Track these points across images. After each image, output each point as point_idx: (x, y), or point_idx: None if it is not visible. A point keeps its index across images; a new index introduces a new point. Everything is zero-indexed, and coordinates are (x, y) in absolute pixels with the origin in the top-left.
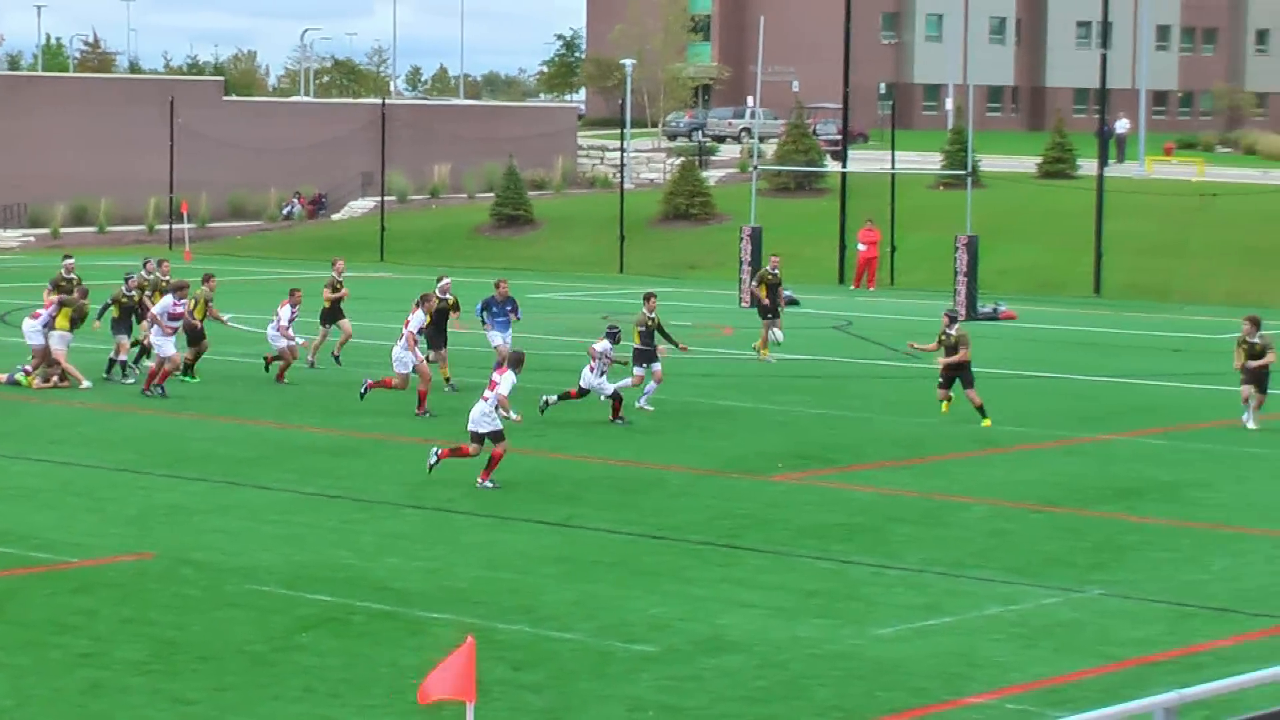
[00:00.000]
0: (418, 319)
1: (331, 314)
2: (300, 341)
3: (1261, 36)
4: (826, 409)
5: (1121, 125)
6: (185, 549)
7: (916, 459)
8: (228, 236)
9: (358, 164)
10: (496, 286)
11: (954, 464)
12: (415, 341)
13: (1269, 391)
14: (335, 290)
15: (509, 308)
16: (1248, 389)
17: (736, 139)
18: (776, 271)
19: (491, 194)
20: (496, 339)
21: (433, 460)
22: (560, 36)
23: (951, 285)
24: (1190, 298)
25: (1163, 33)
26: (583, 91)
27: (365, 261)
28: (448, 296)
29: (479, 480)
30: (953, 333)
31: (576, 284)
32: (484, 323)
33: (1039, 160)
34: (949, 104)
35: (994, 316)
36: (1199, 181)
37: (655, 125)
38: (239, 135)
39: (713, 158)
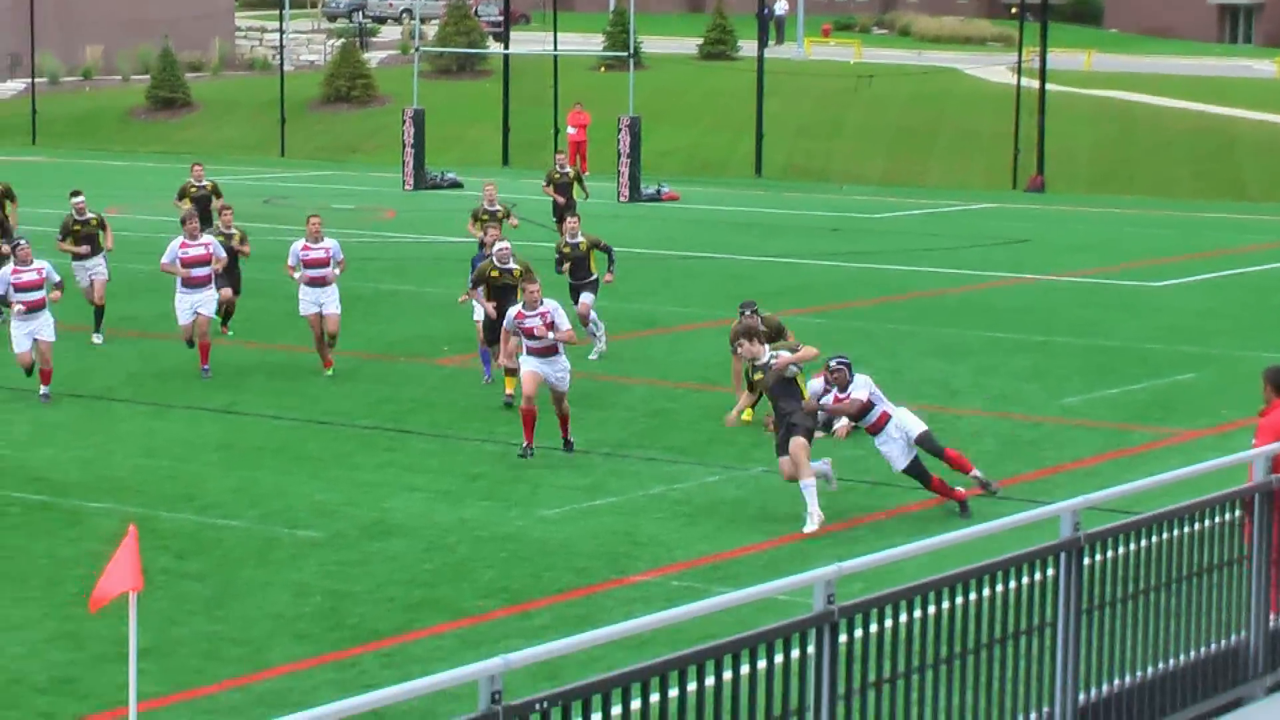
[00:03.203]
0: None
1: None
2: None
3: None
4: None
5: (780, 7)
6: None
7: (580, 340)
8: None
9: (4, 45)
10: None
11: (615, 344)
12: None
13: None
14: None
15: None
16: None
17: (397, 20)
18: (567, 170)
19: (147, 76)
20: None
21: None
22: None
23: (615, 167)
24: (848, 178)
25: None
26: None
27: (17, 146)
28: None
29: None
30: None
31: (236, 168)
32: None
33: (700, 42)
34: None
35: (657, 198)
36: (856, 63)
37: (315, 6)
38: None
39: (373, 39)
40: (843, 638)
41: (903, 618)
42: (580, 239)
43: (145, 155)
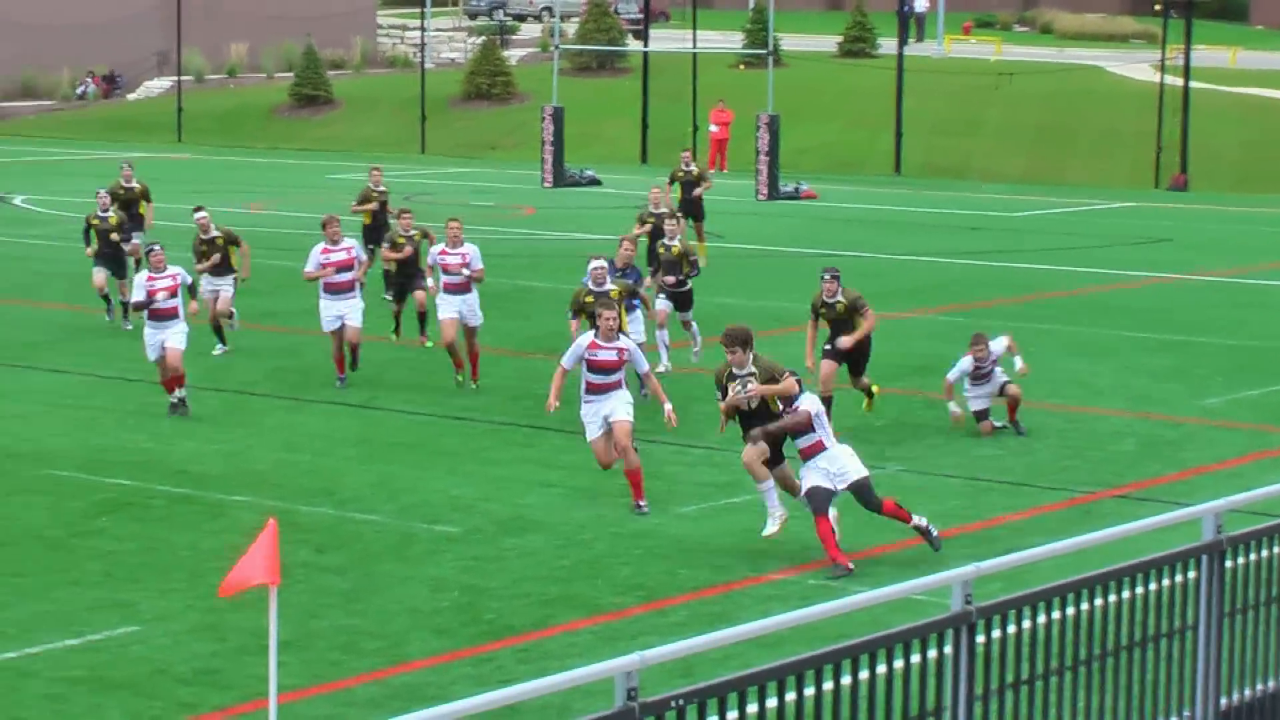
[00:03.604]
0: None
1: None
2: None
3: None
4: None
5: (921, 4)
6: None
7: (714, 336)
8: (18, 117)
9: (152, 43)
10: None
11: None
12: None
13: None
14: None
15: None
16: None
17: (537, 18)
18: (690, 168)
19: (290, 74)
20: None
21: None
22: None
23: (753, 165)
24: (987, 176)
25: None
26: None
27: (163, 143)
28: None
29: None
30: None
31: (378, 165)
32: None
33: (839, 39)
34: None
35: (796, 196)
36: (996, 61)
37: (456, 4)
38: (25, 11)
39: (514, 37)
40: (980, 638)
41: (1041, 619)
42: (675, 243)
43: (287, 152)
